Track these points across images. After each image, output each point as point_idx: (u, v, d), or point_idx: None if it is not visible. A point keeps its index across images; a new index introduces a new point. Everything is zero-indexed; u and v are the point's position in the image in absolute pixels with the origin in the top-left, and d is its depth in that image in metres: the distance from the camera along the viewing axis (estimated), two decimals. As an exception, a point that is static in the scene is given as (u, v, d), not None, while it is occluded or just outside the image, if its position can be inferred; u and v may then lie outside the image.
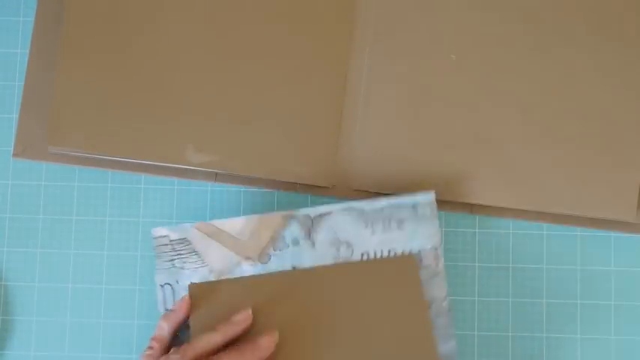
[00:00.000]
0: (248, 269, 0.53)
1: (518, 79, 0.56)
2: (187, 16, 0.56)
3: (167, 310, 0.53)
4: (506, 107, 0.56)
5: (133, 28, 0.55)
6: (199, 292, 0.52)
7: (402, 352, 0.51)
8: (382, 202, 0.54)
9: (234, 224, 0.53)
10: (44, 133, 0.56)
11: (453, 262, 0.58)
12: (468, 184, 0.55)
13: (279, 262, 0.53)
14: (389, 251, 0.54)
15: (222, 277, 0.53)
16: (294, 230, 0.54)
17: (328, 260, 0.54)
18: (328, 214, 0.54)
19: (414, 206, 0.54)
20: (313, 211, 0.54)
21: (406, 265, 0.53)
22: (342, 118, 0.57)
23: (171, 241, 0.54)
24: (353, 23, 0.57)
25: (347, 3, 0.57)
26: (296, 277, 0.53)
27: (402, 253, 0.54)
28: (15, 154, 0.56)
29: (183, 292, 0.53)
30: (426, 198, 0.54)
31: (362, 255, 0.54)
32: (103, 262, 0.58)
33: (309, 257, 0.54)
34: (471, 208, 0.57)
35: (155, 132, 0.55)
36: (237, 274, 0.53)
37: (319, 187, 0.57)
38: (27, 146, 0.56)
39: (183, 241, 0.54)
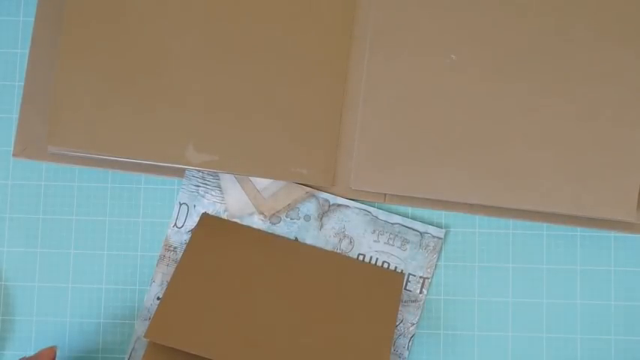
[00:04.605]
0: (258, 223, 0.57)
1: (518, 79, 0.56)
2: (187, 17, 0.56)
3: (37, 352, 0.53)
4: (506, 107, 0.56)
5: (132, 28, 0.55)
6: (208, 223, 0.56)
7: (358, 351, 0.52)
8: (397, 219, 0.57)
9: (262, 180, 0.57)
10: (44, 133, 0.56)
11: (452, 262, 0.58)
12: (468, 184, 0.55)
13: (286, 228, 0.57)
14: (383, 262, 0.57)
15: (233, 220, 0.57)
16: (310, 207, 0.57)
17: (328, 247, 0.57)
18: (345, 207, 0.57)
19: (423, 235, 0.57)
20: (333, 198, 0.57)
21: (392, 279, 0.56)
22: (342, 118, 0.57)
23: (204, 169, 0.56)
24: (353, 23, 0.57)
25: (348, 2, 0.57)
26: (296, 248, 0.56)
27: (395, 268, 0.56)
28: (15, 154, 0.56)
29: (196, 216, 0.57)
30: (436, 232, 0.57)
31: (359, 255, 0.57)
32: (103, 262, 0.58)
33: (312, 236, 0.57)
34: (471, 208, 0.57)
35: (155, 132, 0.55)
36: (246, 222, 0.57)
37: (319, 187, 0.57)
38: (27, 146, 0.56)
39: (214, 174, 0.57)
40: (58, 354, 0.57)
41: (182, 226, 0.57)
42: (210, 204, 0.57)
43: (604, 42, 0.56)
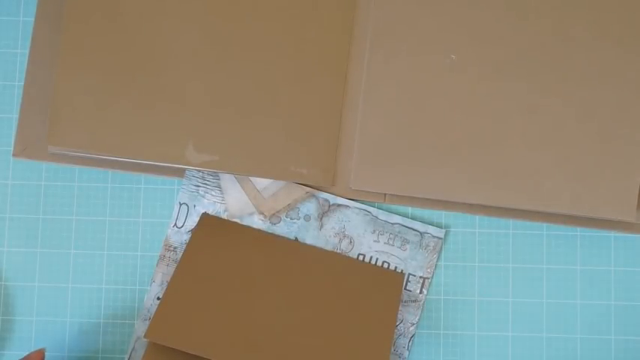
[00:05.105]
0: (258, 223, 0.57)
1: (518, 79, 0.56)
2: (187, 17, 0.56)
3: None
4: (506, 107, 0.56)
5: (132, 28, 0.55)
6: (208, 223, 0.56)
7: (358, 351, 0.52)
8: (396, 219, 0.57)
9: (262, 180, 0.57)
10: (44, 133, 0.56)
11: (452, 262, 0.58)
12: (468, 184, 0.55)
13: (287, 228, 0.57)
14: (383, 262, 0.57)
15: (234, 220, 0.57)
16: (310, 207, 0.57)
17: (328, 247, 0.57)
18: (345, 207, 0.57)
19: (423, 235, 0.57)
20: (333, 198, 0.57)
21: (393, 279, 0.56)
22: (342, 118, 0.57)
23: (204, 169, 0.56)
24: (353, 23, 0.57)
25: (348, 2, 0.57)
26: (296, 248, 0.56)
27: (395, 268, 0.57)
28: (15, 154, 0.56)
29: (196, 216, 0.57)
30: (436, 232, 0.57)
31: (359, 255, 0.57)
32: (103, 262, 0.58)
33: (312, 236, 0.57)
34: (471, 208, 0.57)
35: (155, 132, 0.55)
36: (246, 222, 0.57)
37: (319, 187, 0.57)
38: (27, 146, 0.56)
39: (214, 174, 0.57)
40: (58, 354, 0.57)
41: (182, 226, 0.57)
42: (210, 204, 0.57)
43: (603, 42, 0.56)
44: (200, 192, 0.57)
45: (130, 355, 0.56)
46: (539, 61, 0.56)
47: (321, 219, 0.57)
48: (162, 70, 0.55)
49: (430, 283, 0.57)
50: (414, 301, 0.57)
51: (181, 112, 0.55)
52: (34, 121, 0.56)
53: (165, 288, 0.55)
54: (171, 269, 0.57)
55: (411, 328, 0.56)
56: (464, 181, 0.55)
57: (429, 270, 0.57)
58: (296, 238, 0.57)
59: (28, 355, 0.51)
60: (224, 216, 0.57)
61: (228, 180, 0.57)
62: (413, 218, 0.58)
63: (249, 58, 0.56)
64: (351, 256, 0.57)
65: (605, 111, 0.55)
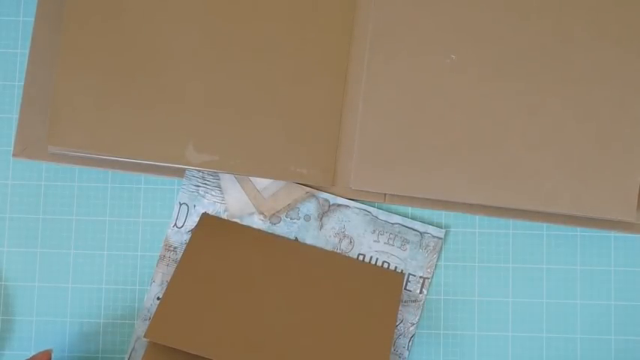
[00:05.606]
0: (258, 223, 0.57)
1: (517, 79, 0.56)
2: (187, 17, 0.56)
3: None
4: (506, 107, 0.56)
5: (133, 28, 0.55)
6: (208, 223, 0.56)
7: (358, 351, 0.52)
8: (396, 219, 0.57)
9: (262, 180, 0.57)
10: (44, 133, 0.56)
11: (452, 262, 0.58)
12: (468, 184, 0.55)
13: (287, 228, 0.57)
14: (383, 262, 0.57)
15: (234, 220, 0.57)
16: (310, 207, 0.57)
17: (328, 247, 0.57)
18: (345, 207, 0.57)
19: (423, 235, 0.57)
20: (333, 198, 0.57)
21: (392, 279, 0.56)
22: (342, 118, 0.57)
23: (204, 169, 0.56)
24: (353, 23, 0.57)
25: (348, 2, 0.57)
26: (296, 248, 0.56)
27: (395, 268, 0.57)
28: (15, 154, 0.56)
29: (196, 216, 0.57)
30: (436, 232, 0.57)
31: (359, 255, 0.57)
32: (103, 262, 0.58)
33: (312, 236, 0.57)
34: (471, 208, 0.57)
35: (155, 132, 0.55)
36: (246, 222, 0.57)
37: (319, 187, 0.57)
38: (27, 146, 0.56)
39: (214, 174, 0.57)
40: (58, 354, 0.57)
41: (182, 226, 0.57)
42: (210, 204, 0.57)
43: (603, 42, 0.56)
44: (200, 192, 0.57)
45: (130, 355, 0.56)
46: (539, 61, 0.56)
47: (321, 219, 0.57)
48: (162, 70, 0.55)
49: (430, 283, 0.57)
50: (414, 301, 0.57)
51: (181, 112, 0.55)
52: (34, 121, 0.56)
53: (165, 288, 0.55)
54: (171, 269, 0.57)
55: (411, 328, 0.57)
56: (464, 181, 0.55)
57: (429, 270, 0.57)
58: (296, 238, 0.57)
59: (35, 355, 0.51)
60: (224, 216, 0.57)
61: (228, 180, 0.57)
62: (413, 218, 0.58)
63: (249, 58, 0.56)
64: (351, 256, 0.57)
65: (605, 111, 0.55)
